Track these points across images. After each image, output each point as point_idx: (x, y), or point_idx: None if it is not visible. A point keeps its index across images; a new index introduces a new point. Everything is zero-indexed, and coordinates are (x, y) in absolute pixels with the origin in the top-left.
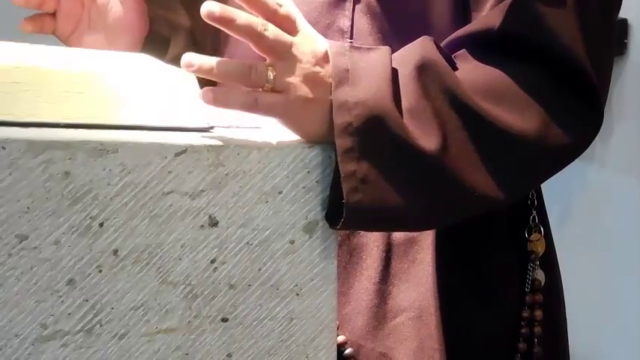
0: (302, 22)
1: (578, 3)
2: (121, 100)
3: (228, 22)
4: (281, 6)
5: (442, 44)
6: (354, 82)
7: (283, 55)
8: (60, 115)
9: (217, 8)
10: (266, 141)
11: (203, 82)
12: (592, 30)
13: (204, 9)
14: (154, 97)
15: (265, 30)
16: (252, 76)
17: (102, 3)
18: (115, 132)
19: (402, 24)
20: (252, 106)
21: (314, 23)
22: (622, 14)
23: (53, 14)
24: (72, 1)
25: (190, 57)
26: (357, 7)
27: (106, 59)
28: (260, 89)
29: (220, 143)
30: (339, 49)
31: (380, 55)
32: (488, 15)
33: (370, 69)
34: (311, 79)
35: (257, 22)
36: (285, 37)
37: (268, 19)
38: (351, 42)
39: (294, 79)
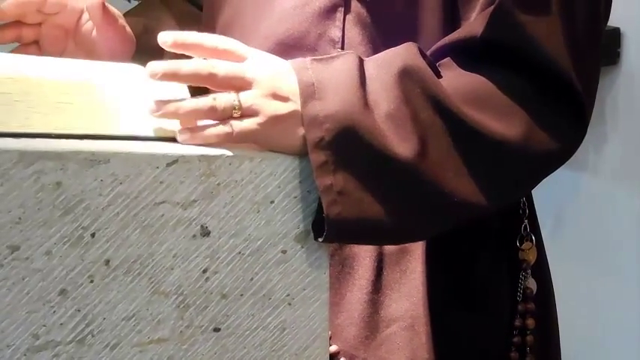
0: (248, 51)
1: (565, 11)
2: (113, 111)
3: (174, 75)
4: (219, 42)
5: (427, 53)
6: (321, 95)
7: (240, 83)
8: (51, 126)
9: (159, 67)
10: (258, 151)
11: (194, 91)
12: (578, 39)
13: (148, 71)
14: (145, 106)
15: (213, 67)
16: (218, 107)
17: (85, 32)
18: (106, 142)
19: (392, 34)
20: (229, 135)
21: (305, 33)
22: (615, 23)
23: (36, 42)
24: (54, 29)
25: (155, 102)
26: (347, 17)
27: (98, 69)
28: (231, 118)
29: (212, 153)
30: (301, 64)
31: (344, 62)
32: (471, 23)
33: (335, 79)
34: (275, 96)
35: (202, 63)
36: (236, 66)
37: (212, 58)
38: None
39: (259, 100)
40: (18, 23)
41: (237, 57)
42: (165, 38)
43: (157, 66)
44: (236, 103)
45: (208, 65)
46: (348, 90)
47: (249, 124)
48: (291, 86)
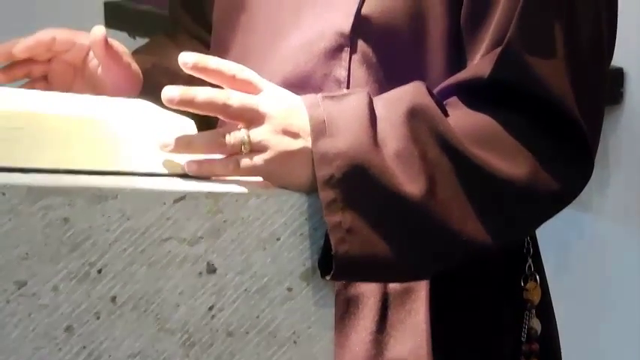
0: (264, 83)
1: (569, 52)
2: (121, 146)
3: (190, 102)
4: (238, 71)
5: (433, 92)
6: (332, 133)
7: (253, 116)
8: (59, 161)
9: (176, 92)
10: (264, 188)
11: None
12: (583, 79)
13: (164, 96)
14: (153, 142)
15: (228, 99)
16: (228, 142)
17: (92, 68)
18: (114, 178)
19: (398, 74)
20: (235, 170)
21: (310, 73)
22: (618, 63)
23: (45, 77)
24: (63, 66)
25: (165, 139)
26: (353, 57)
27: (105, 105)
28: (239, 153)
29: (219, 190)
30: (313, 101)
31: (355, 100)
32: (478, 63)
33: (346, 117)
34: (286, 132)
35: (218, 93)
36: (250, 98)
37: (229, 87)
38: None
39: (269, 136)
40: (28, 61)
41: (253, 88)
42: (187, 59)
43: (173, 91)
44: (245, 139)
45: (224, 96)
46: (358, 128)
47: (256, 159)
48: (302, 123)
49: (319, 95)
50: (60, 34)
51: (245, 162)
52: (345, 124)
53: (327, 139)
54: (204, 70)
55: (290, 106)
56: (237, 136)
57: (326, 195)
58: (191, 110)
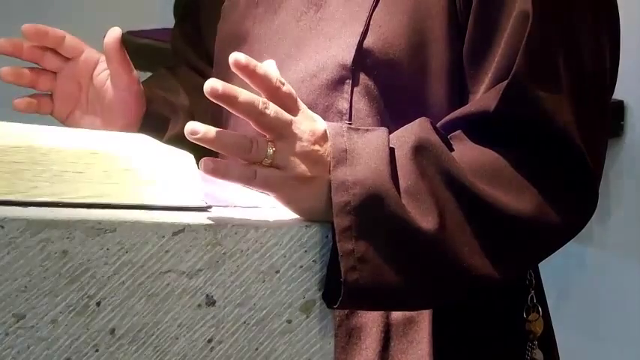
0: (300, 103)
1: (573, 86)
2: (119, 180)
3: (231, 99)
4: (283, 84)
5: (438, 125)
6: (352, 162)
7: (283, 133)
8: (58, 195)
9: (220, 85)
10: (263, 220)
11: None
12: (586, 113)
13: (208, 85)
14: (151, 176)
15: (266, 108)
16: (253, 150)
17: (99, 83)
18: (112, 211)
19: (399, 106)
20: (250, 179)
21: (313, 105)
22: (618, 96)
23: (50, 95)
24: (69, 81)
25: (195, 125)
26: (355, 89)
27: (105, 139)
28: (259, 164)
29: (218, 222)
30: (338, 130)
31: (377, 136)
32: (484, 97)
33: (368, 149)
34: (309, 158)
35: (258, 100)
36: (285, 115)
37: (271, 96)
38: (349, 124)
39: (293, 157)
40: (36, 69)
41: (292, 103)
42: (238, 57)
43: (217, 83)
44: (270, 152)
45: (263, 103)
46: (379, 161)
47: (273, 175)
48: (324, 150)
49: (345, 126)
50: (70, 38)
51: (261, 174)
52: (366, 156)
53: (346, 167)
54: (252, 72)
55: (317, 132)
56: (262, 146)
57: (341, 221)
58: (227, 107)
